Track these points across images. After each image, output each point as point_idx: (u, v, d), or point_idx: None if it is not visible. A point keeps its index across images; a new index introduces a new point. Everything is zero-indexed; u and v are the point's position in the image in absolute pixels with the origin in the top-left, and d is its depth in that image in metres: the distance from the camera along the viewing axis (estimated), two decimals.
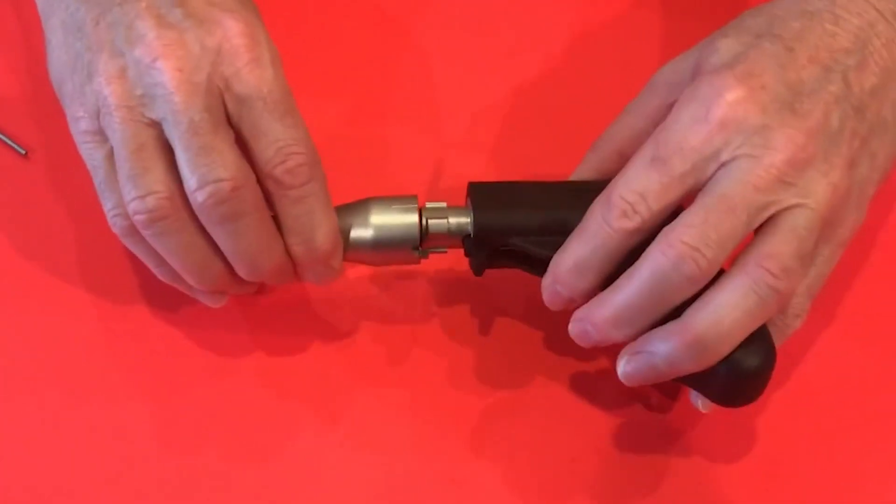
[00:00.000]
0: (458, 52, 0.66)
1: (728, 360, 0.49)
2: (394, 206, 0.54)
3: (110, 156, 0.51)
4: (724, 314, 0.49)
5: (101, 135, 0.51)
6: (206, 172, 0.50)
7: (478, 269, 0.55)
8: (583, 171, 0.57)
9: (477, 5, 0.67)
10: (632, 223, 0.50)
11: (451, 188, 0.61)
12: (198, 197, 0.50)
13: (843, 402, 0.57)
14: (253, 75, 0.50)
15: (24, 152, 0.63)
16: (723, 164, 0.49)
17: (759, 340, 0.50)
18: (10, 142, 0.63)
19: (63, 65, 0.53)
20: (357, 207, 0.54)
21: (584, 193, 0.52)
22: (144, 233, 0.51)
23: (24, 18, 0.66)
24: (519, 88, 0.65)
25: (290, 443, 0.56)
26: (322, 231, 0.52)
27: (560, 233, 0.52)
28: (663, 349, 0.49)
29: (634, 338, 0.51)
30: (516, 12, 0.67)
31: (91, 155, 0.52)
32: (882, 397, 0.58)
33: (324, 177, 0.52)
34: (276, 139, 0.51)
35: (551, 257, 0.52)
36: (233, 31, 0.51)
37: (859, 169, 0.52)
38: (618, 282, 0.51)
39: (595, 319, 0.51)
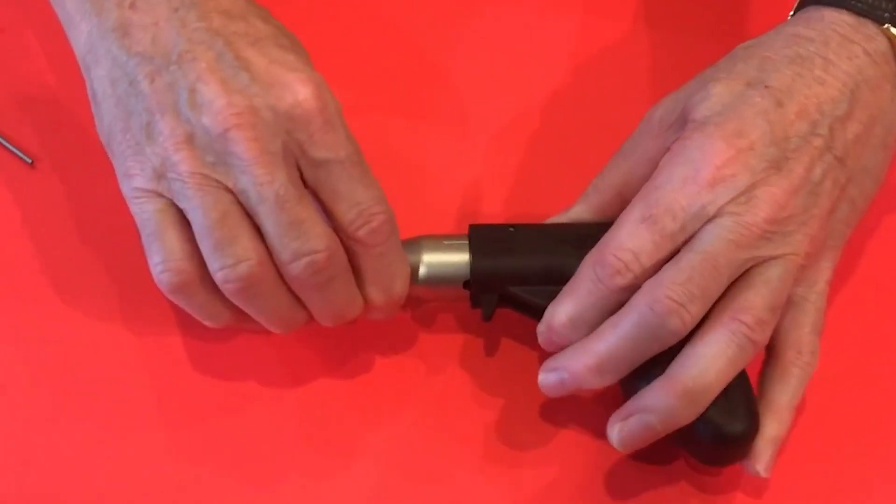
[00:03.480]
0: (476, 68, 0.66)
1: (714, 425, 0.52)
2: (445, 245, 0.56)
3: (162, 210, 0.51)
4: (709, 365, 0.50)
5: (154, 192, 0.51)
6: (299, 246, 0.50)
7: (485, 314, 0.56)
8: (583, 210, 0.58)
9: (495, 21, 0.68)
10: (625, 280, 0.52)
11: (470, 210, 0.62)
12: (292, 269, 0.51)
13: (842, 403, 0.58)
14: (327, 139, 0.51)
15: (30, 161, 0.63)
16: (709, 220, 0.51)
17: (745, 408, 0.52)
18: (16, 151, 0.63)
19: (113, 118, 0.52)
20: (409, 246, 0.55)
21: (583, 242, 0.54)
22: (234, 298, 0.52)
23: (33, 27, 0.66)
24: (535, 105, 0.65)
25: (290, 462, 0.56)
26: (400, 280, 0.54)
27: (557, 282, 0.54)
28: (657, 404, 0.51)
29: (609, 384, 0.52)
30: (529, 30, 0.68)
31: (141, 209, 0.51)
32: (882, 397, 0.58)
33: (398, 229, 0.53)
34: (357, 201, 0.51)
35: (546, 306, 0.54)
36: (303, 95, 0.50)
37: (837, 215, 0.54)
38: (601, 330, 0.52)
39: (574, 367, 0.52)
